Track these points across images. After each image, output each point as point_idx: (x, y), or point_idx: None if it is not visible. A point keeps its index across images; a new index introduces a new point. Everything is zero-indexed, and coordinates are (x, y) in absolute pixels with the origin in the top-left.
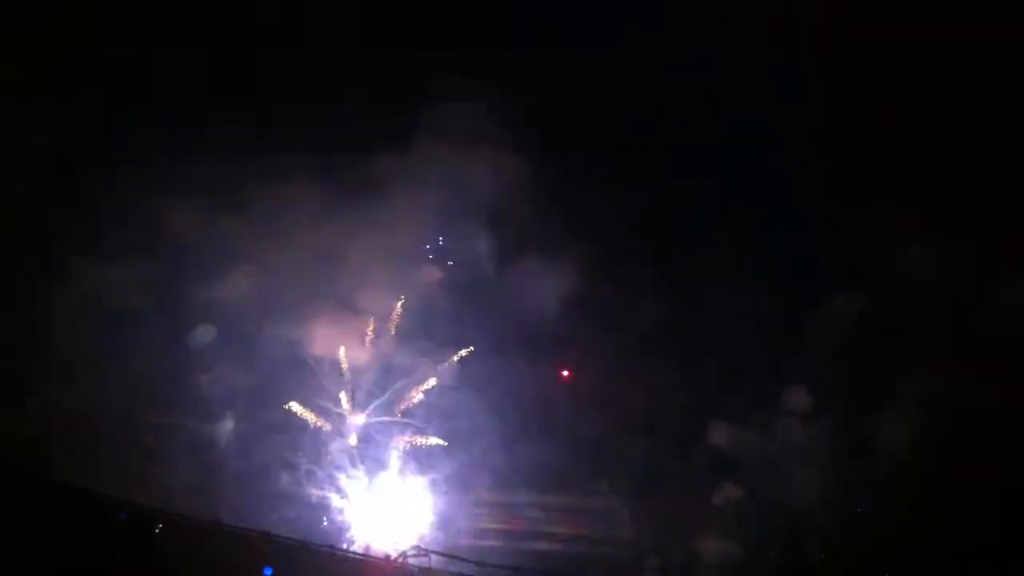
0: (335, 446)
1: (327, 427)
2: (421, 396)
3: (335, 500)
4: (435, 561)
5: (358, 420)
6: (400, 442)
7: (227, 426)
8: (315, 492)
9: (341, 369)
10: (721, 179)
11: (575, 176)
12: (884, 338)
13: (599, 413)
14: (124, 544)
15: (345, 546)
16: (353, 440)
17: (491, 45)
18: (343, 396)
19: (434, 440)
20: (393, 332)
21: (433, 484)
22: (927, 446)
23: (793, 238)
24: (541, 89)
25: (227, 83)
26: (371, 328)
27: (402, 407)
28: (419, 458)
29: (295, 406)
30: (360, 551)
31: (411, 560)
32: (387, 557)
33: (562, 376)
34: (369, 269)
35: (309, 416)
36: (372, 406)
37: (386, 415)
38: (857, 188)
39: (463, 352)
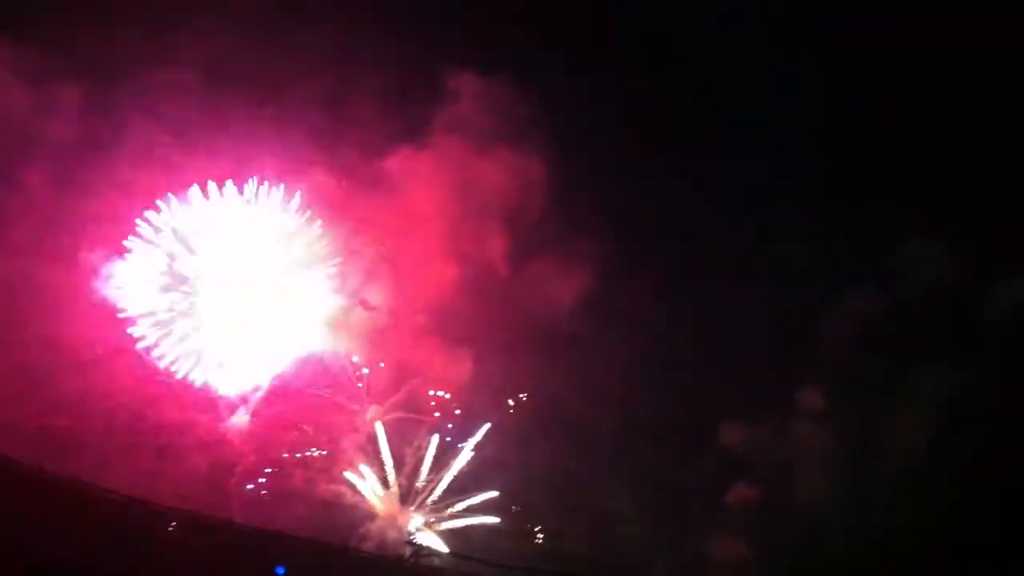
0: (349, 442)
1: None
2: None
3: (348, 497)
4: (446, 560)
5: (373, 416)
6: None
7: (242, 422)
8: (328, 489)
9: (357, 366)
10: (732, 179)
11: (587, 176)
12: (894, 337)
13: (611, 413)
14: (138, 542)
15: (357, 544)
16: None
17: (505, 44)
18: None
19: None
20: (409, 330)
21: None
22: (937, 445)
23: (803, 238)
24: (555, 89)
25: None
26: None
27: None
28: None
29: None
30: (372, 550)
31: (423, 559)
32: (399, 556)
33: None
34: (385, 267)
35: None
36: (387, 403)
37: (401, 411)
38: (866, 188)
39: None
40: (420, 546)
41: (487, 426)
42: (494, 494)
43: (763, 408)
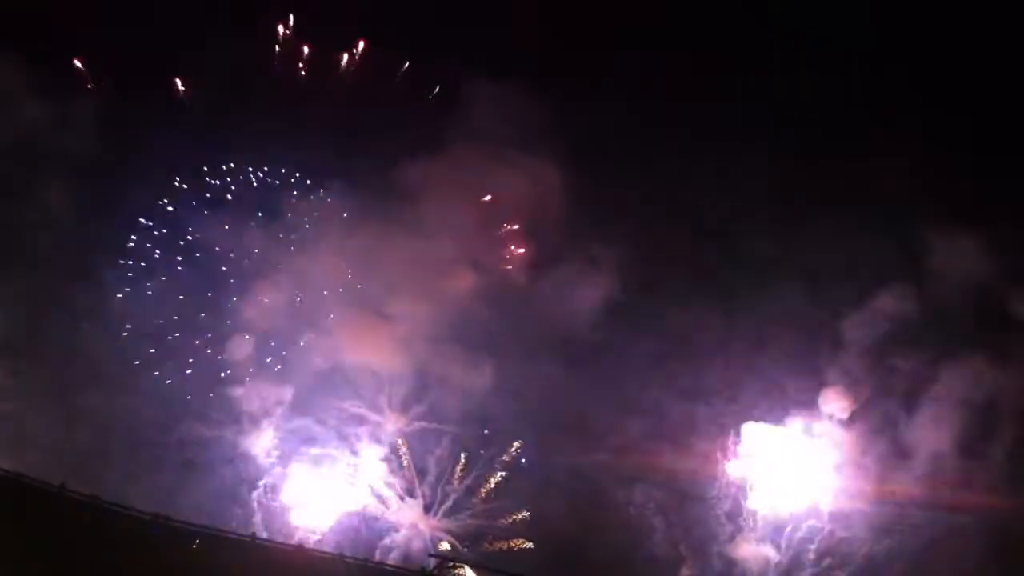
0: (372, 453)
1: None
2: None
3: (372, 507)
4: (469, 572)
5: (396, 427)
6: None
7: (264, 437)
8: (351, 501)
9: (378, 377)
10: (755, 178)
11: (606, 180)
12: (925, 337)
13: (631, 419)
14: (162, 560)
15: (382, 556)
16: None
17: (521, 48)
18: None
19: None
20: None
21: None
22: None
23: (831, 237)
24: (574, 93)
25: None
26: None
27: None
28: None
29: None
30: (397, 562)
31: (447, 572)
32: (422, 570)
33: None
34: (403, 277)
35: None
36: (410, 413)
37: (423, 421)
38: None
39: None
40: (444, 558)
41: (517, 443)
42: (525, 514)
43: (790, 411)
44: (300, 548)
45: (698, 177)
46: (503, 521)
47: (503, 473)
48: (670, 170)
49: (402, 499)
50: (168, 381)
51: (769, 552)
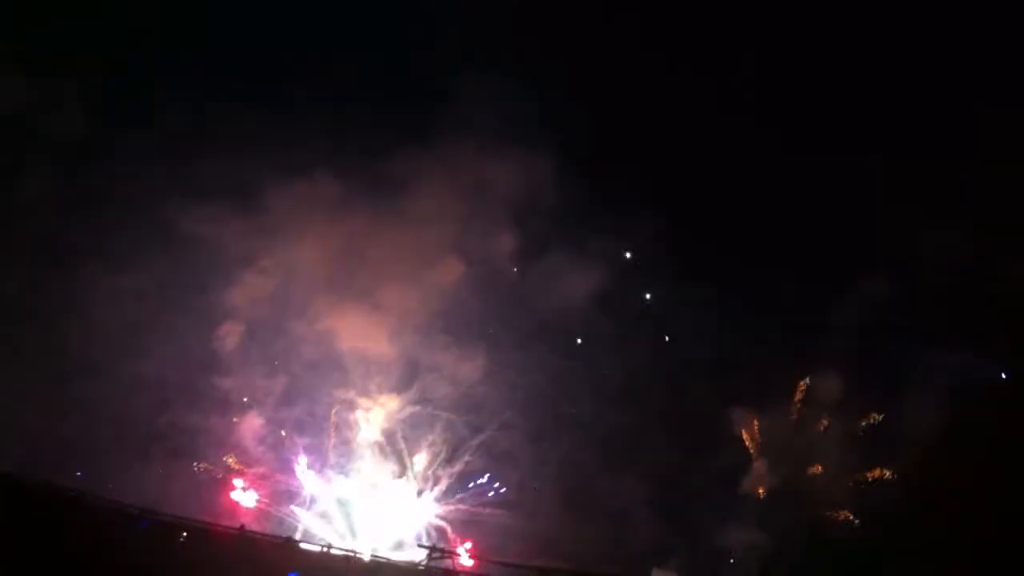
0: (362, 440)
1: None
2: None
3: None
4: (459, 562)
5: (385, 413)
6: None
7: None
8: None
9: (367, 364)
10: (744, 170)
11: (597, 173)
12: (907, 324)
13: (622, 407)
14: (149, 553)
15: (369, 547)
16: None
17: (515, 42)
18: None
19: None
20: (418, 327)
21: (457, 480)
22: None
23: (815, 226)
24: (565, 87)
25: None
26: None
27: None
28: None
29: None
30: (385, 553)
31: (436, 562)
32: (412, 560)
33: None
34: (393, 266)
35: None
36: (399, 399)
37: (414, 407)
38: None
39: None
40: (435, 547)
41: (501, 422)
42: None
43: (775, 398)
44: (289, 540)
45: (686, 167)
46: (491, 507)
47: (494, 459)
48: (658, 160)
49: (394, 485)
50: (156, 371)
51: (757, 536)
